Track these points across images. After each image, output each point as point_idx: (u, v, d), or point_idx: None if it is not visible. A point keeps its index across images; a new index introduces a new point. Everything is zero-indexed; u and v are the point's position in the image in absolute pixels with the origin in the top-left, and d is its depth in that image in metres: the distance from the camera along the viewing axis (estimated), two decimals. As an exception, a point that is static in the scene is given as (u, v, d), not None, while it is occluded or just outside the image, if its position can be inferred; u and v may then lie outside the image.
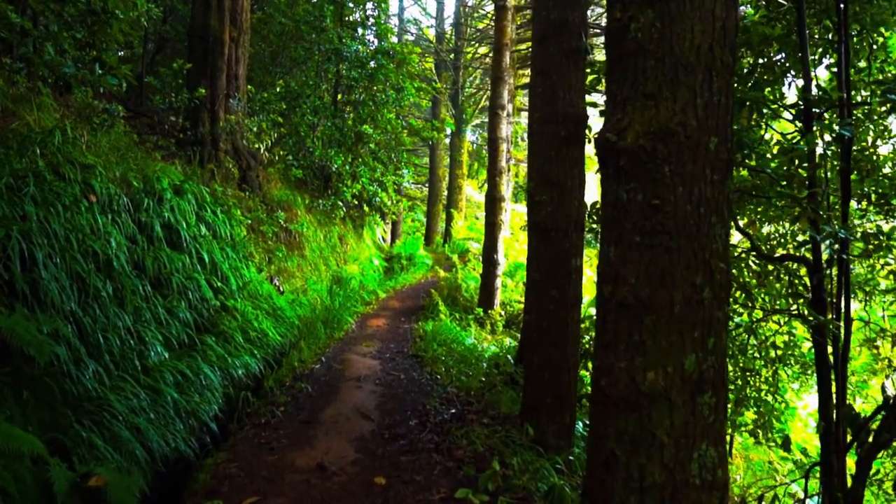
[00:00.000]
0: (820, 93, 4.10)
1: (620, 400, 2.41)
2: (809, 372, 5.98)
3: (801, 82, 4.95)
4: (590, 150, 5.35)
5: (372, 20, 13.36)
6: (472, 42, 20.47)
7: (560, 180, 4.12)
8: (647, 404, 2.37)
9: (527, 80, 18.06)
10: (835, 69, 4.90)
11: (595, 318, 2.62)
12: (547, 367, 4.15)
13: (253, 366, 5.67)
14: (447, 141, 22.27)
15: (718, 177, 2.42)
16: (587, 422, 5.30)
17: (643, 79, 2.39)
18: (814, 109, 4.14)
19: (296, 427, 4.17)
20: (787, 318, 5.54)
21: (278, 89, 10.93)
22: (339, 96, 13.56)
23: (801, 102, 4.36)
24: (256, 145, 10.27)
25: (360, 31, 13.27)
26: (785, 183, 4.37)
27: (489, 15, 20.75)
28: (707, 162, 2.38)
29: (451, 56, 20.56)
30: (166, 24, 12.25)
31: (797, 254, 5.36)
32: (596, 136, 5.07)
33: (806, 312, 4.53)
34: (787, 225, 5.69)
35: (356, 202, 13.09)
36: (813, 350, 6.15)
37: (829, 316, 3.83)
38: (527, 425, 4.07)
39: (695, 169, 2.36)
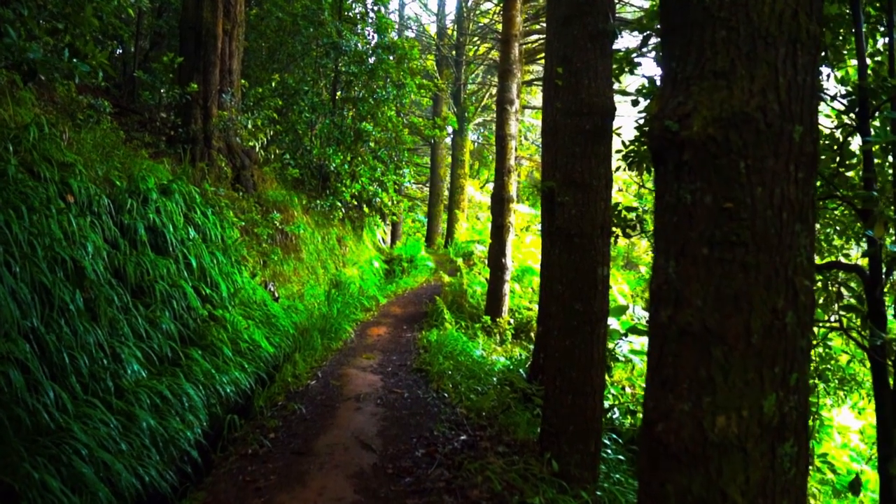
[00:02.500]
0: (877, 80, 3.64)
1: (682, 451, 1.95)
2: (846, 388, 5.55)
3: (838, 73, 4.52)
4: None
5: (372, 15, 12.91)
6: (475, 38, 20.01)
7: (585, 180, 3.67)
8: (716, 456, 1.92)
9: (531, 76, 17.60)
10: (877, 58, 4.46)
11: (648, 347, 2.16)
12: (570, 389, 3.69)
13: (243, 381, 5.21)
14: (448, 140, 21.81)
15: (804, 174, 1.96)
16: (605, 440, 4.86)
17: (712, 53, 1.93)
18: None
19: (287, 459, 3.70)
20: (824, 330, 5.11)
21: (273, 84, 10.47)
22: (339, 93, 13.11)
23: (851, 91, 3.90)
24: (251, 143, 9.81)
25: (359, 27, 12.82)
26: (820, 182, 3.94)
27: (492, 11, 20.30)
28: (791, 156, 1.92)
29: (453, 53, 20.10)
30: (161, 19, 11.81)
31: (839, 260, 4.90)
32: (617, 131, 4.62)
33: (853, 326, 4.10)
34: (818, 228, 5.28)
35: (355, 203, 12.64)
36: (850, 364, 5.73)
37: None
38: (547, 455, 3.62)
39: (776, 164, 1.90)
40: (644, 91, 4.47)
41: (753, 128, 1.88)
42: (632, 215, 5.15)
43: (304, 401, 4.91)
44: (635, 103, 3.96)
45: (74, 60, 4.24)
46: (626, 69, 4.69)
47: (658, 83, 4.44)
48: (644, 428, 2.07)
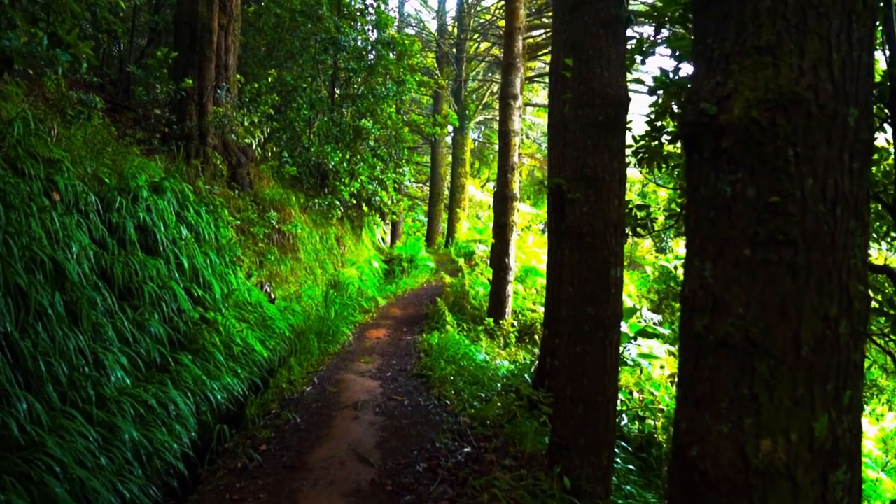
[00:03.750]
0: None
1: (721, 479, 1.73)
2: (866, 394, 5.31)
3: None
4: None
5: (372, 10, 12.67)
6: (476, 35, 19.77)
7: (597, 175, 3.43)
8: (760, 486, 1.69)
9: (532, 73, 17.37)
10: None
11: (680, 358, 1.93)
12: (581, 398, 3.45)
13: (235, 388, 4.98)
14: (448, 139, 21.57)
15: (859, 164, 1.72)
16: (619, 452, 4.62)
17: (755, 26, 1.70)
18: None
19: (278, 475, 3.46)
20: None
21: (270, 80, 10.23)
22: (337, 90, 12.87)
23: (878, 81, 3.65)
24: (247, 140, 9.58)
25: (358, 23, 12.58)
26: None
27: (493, 7, 20.06)
28: (846, 143, 1.69)
29: (454, 50, 19.86)
30: (157, 15, 11.57)
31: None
32: (628, 125, 4.38)
33: (877, 331, 3.88)
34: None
35: (354, 201, 12.40)
36: (870, 370, 5.50)
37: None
38: (557, 469, 3.38)
39: (829, 153, 1.68)
40: (658, 83, 4.23)
41: (804, 110, 1.65)
42: (643, 213, 4.92)
43: (298, 409, 4.67)
44: (653, 91, 3.72)
45: (57, 51, 4.00)
46: (639, 59, 4.45)
47: (671, 75, 4.20)
48: (676, 451, 1.84)
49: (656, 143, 4.94)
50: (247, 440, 3.96)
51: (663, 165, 5.12)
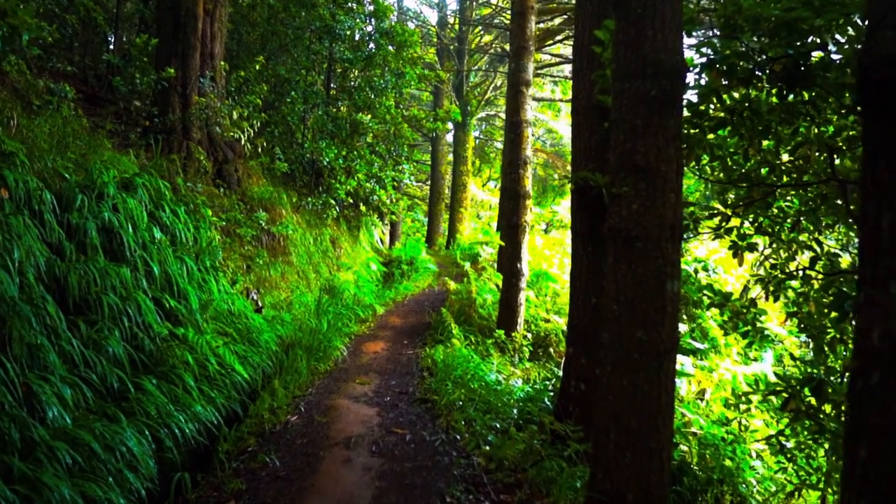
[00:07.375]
0: None
1: None
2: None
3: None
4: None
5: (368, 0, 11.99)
6: (478, 28, 19.06)
7: (650, 164, 2.73)
8: None
9: (535, 64, 16.66)
10: None
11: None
12: (628, 445, 2.76)
13: (209, 417, 4.27)
14: (449, 137, 20.86)
15: None
16: None
17: None
18: None
19: (246, 548, 2.76)
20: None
21: (258, 67, 9.54)
22: (333, 85, 12.18)
23: None
24: (234, 134, 8.88)
25: (356, 12, 11.90)
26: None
27: (493, 3, 19.36)
28: None
29: (455, 44, 19.15)
30: (146, 7, 10.90)
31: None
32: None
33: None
34: None
35: (351, 201, 11.71)
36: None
37: None
38: (600, 535, 2.69)
39: None
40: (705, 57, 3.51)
41: None
42: (686, 211, 4.24)
43: (279, 446, 3.94)
44: (712, 63, 3.01)
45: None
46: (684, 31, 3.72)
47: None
48: None
49: (697, 130, 4.29)
50: (213, 492, 3.25)
51: (704, 157, 4.47)
